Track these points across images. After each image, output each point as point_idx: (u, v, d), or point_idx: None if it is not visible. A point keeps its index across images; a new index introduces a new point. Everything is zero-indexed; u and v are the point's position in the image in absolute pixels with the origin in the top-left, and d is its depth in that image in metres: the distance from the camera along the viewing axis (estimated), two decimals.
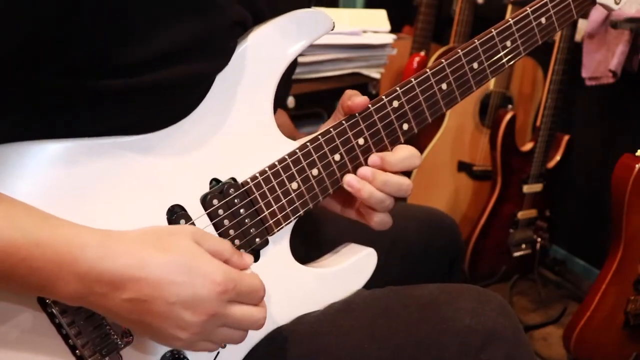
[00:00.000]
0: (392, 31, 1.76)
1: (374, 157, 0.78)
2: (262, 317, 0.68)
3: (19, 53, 0.60)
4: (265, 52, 0.73)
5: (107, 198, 0.67)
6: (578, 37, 1.92)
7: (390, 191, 0.78)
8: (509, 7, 1.99)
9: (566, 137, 2.11)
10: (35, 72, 0.62)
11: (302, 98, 1.60)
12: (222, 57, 0.70)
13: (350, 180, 0.77)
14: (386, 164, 0.78)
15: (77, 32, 0.60)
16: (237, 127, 0.73)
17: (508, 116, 1.98)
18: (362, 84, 1.71)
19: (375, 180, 0.77)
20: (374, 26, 1.75)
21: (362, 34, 1.68)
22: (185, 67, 0.66)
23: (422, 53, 2.36)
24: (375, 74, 1.73)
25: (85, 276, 0.59)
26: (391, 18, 1.80)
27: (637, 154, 1.46)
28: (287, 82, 0.87)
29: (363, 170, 0.78)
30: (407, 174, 1.94)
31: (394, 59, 2.07)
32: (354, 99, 0.77)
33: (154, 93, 0.66)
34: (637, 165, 1.45)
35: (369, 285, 0.85)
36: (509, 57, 0.84)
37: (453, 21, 2.32)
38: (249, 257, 0.71)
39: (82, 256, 0.59)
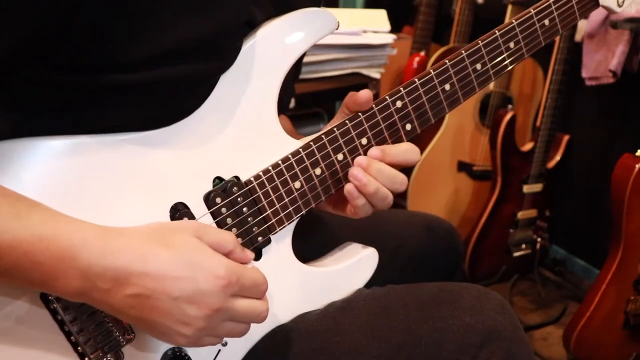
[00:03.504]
0: (392, 31, 1.76)
1: (374, 150, 0.78)
2: (265, 310, 0.68)
3: (24, 48, 0.60)
4: (271, 51, 0.73)
5: (110, 195, 0.67)
6: (578, 37, 1.93)
7: (384, 182, 0.77)
8: (509, 7, 2.00)
9: (566, 137, 2.12)
10: (40, 67, 0.62)
11: (302, 98, 1.60)
12: (228, 56, 0.70)
13: (356, 174, 0.76)
14: (386, 155, 0.78)
15: (82, 29, 0.60)
16: (241, 126, 0.73)
17: (508, 116, 1.98)
18: (362, 84, 1.71)
19: (370, 167, 0.77)
20: (374, 26, 1.74)
21: (362, 34, 1.68)
22: (192, 65, 0.66)
23: (422, 53, 2.36)
24: (375, 74, 1.73)
25: (88, 271, 0.59)
26: (391, 18, 1.80)
27: (637, 154, 1.46)
28: (290, 86, 0.87)
29: (360, 158, 0.77)
30: (407, 172, 1.94)
31: (394, 59, 2.07)
32: (357, 95, 0.77)
33: (159, 90, 0.66)
34: (637, 165, 1.45)
35: (369, 285, 0.85)
36: (512, 58, 0.84)
37: (453, 21, 2.32)
38: (250, 253, 0.71)
39: (84, 251, 0.59)
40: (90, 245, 0.60)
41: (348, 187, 0.77)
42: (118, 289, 0.60)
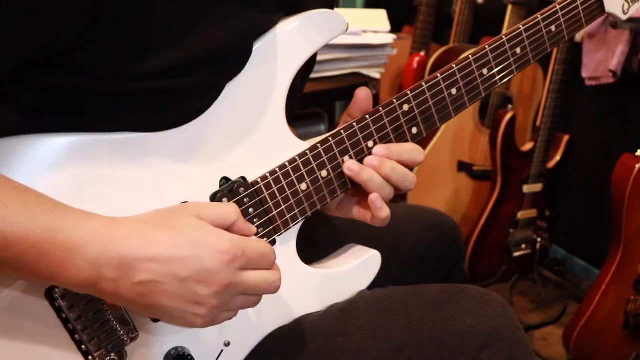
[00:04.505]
0: (392, 31, 1.77)
1: (379, 148, 0.78)
2: (277, 279, 0.67)
3: (40, 55, 0.60)
4: (279, 52, 0.73)
5: (117, 194, 0.68)
6: (578, 37, 1.93)
7: (396, 180, 0.77)
8: (509, 7, 2.00)
9: (566, 137, 2.12)
10: (53, 72, 0.63)
11: (302, 98, 1.60)
12: (240, 62, 0.71)
13: (350, 165, 0.76)
14: (392, 153, 0.78)
15: (100, 39, 0.61)
16: (248, 127, 0.74)
17: (508, 116, 1.98)
18: (362, 84, 1.71)
19: (383, 167, 0.76)
20: (374, 26, 1.74)
21: (362, 34, 1.68)
22: (205, 75, 0.66)
23: (422, 53, 2.36)
24: (375, 74, 1.73)
25: (95, 261, 0.59)
26: (391, 18, 1.80)
27: (637, 154, 1.46)
28: (300, 88, 0.87)
29: (370, 158, 0.77)
30: None
31: (394, 59, 2.07)
32: (356, 94, 0.77)
33: (170, 95, 0.66)
34: (637, 165, 1.45)
35: (370, 286, 0.85)
36: (518, 64, 0.84)
37: (453, 21, 2.33)
38: (252, 226, 0.70)
39: (91, 241, 0.59)
40: (98, 235, 0.60)
41: (372, 197, 0.77)
42: (125, 277, 0.60)
